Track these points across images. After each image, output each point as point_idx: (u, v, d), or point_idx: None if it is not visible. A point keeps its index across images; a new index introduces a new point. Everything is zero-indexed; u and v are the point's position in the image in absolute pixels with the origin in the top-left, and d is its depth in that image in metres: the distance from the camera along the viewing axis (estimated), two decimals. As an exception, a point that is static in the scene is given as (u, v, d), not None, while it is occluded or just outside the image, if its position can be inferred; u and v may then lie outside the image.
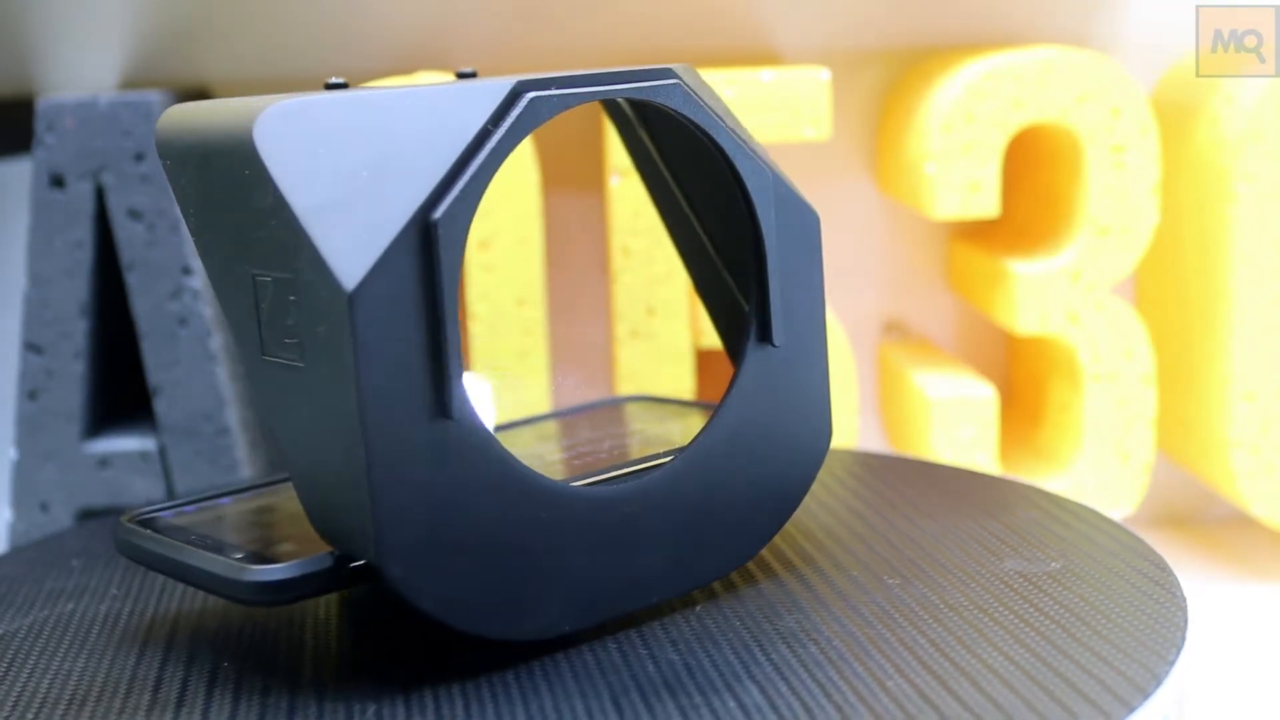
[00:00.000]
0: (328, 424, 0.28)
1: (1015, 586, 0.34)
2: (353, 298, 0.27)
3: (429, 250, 0.28)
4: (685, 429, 0.41)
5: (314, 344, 0.28)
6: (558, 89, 0.30)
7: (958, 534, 0.39)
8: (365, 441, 0.27)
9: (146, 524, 0.34)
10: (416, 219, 0.28)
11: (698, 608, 0.34)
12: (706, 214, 0.38)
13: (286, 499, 0.36)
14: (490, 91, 0.30)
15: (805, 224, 0.35)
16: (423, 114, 0.29)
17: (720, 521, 0.34)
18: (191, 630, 0.35)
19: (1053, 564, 0.36)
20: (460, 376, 0.29)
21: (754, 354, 0.34)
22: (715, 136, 0.33)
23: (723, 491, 0.34)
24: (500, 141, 0.29)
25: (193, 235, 0.31)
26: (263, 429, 0.55)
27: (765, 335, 0.34)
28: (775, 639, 0.32)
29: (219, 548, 0.32)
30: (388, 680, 0.31)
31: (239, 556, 0.31)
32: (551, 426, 0.43)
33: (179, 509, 0.35)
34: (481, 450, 0.29)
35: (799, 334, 0.35)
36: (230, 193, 0.29)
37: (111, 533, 0.35)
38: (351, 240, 0.27)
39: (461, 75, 0.33)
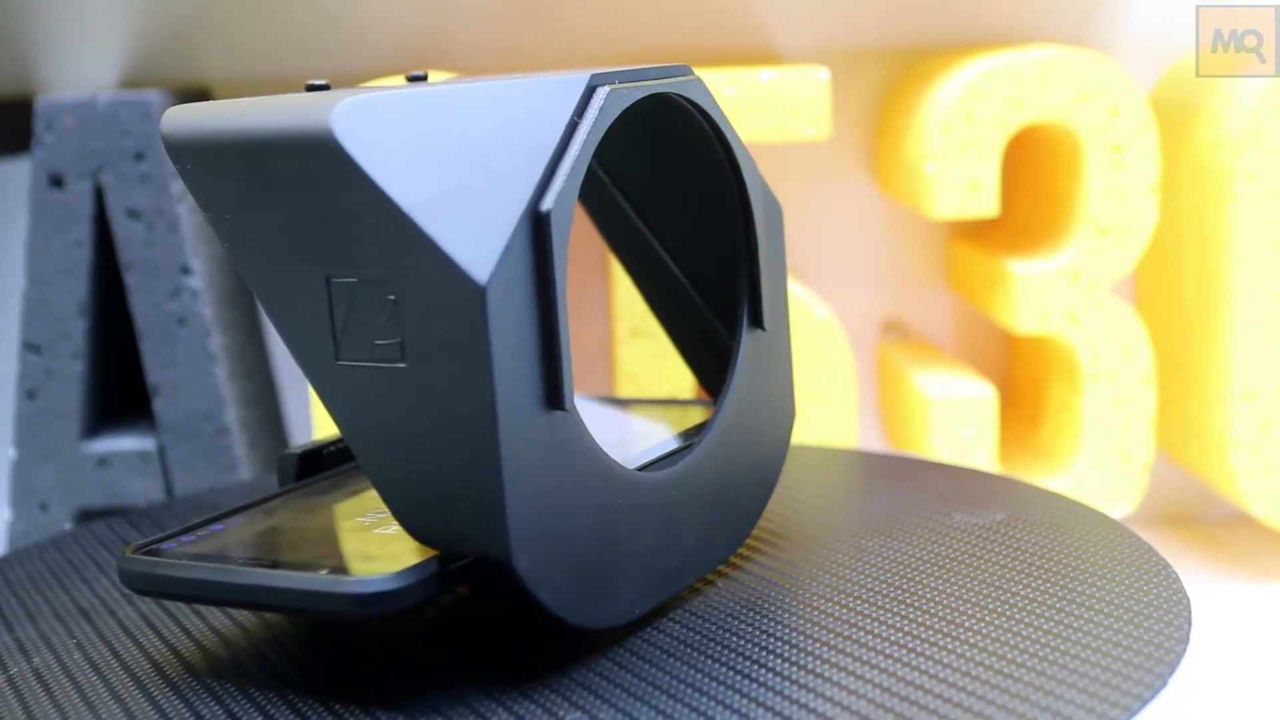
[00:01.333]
0: (442, 422, 0.28)
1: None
2: (485, 290, 0.27)
3: (541, 241, 0.28)
4: (655, 418, 0.41)
5: (425, 342, 0.27)
6: (622, 83, 0.31)
7: (904, 500, 0.40)
8: (498, 437, 0.27)
9: (153, 554, 0.31)
10: (529, 210, 0.28)
11: (718, 584, 0.34)
12: (654, 215, 0.38)
13: (287, 517, 0.34)
14: (566, 85, 0.30)
15: (775, 214, 0.36)
16: (502, 108, 0.29)
17: (731, 500, 0.35)
18: (210, 664, 0.32)
19: (996, 515, 0.38)
20: (570, 368, 0.29)
21: (746, 339, 0.35)
22: (725, 132, 0.34)
23: (732, 471, 0.34)
24: (590, 133, 0.29)
25: (226, 239, 0.29)
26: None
27: (757, 321, 0.35)
28: (819, 599, 0.33)
29: (293, 566, 0.30)
30: (493, 682, 0.29)
31: (325, 571, 0.29)
32: None
33: (176, 539, 0.33)
34: (580, 440, 0.29)
35: (775, 318, 0.36)
36: (294, 192, 0.28)
37: (119, 569, 0.32)
38: (470, 234, 0.27)
39: (413, 79, 0.33)
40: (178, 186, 0.52)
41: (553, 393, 0.28)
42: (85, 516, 0.54)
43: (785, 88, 0.53)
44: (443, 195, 0.27)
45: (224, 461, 0.53)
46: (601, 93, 0.30)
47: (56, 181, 0.52)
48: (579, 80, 0.30)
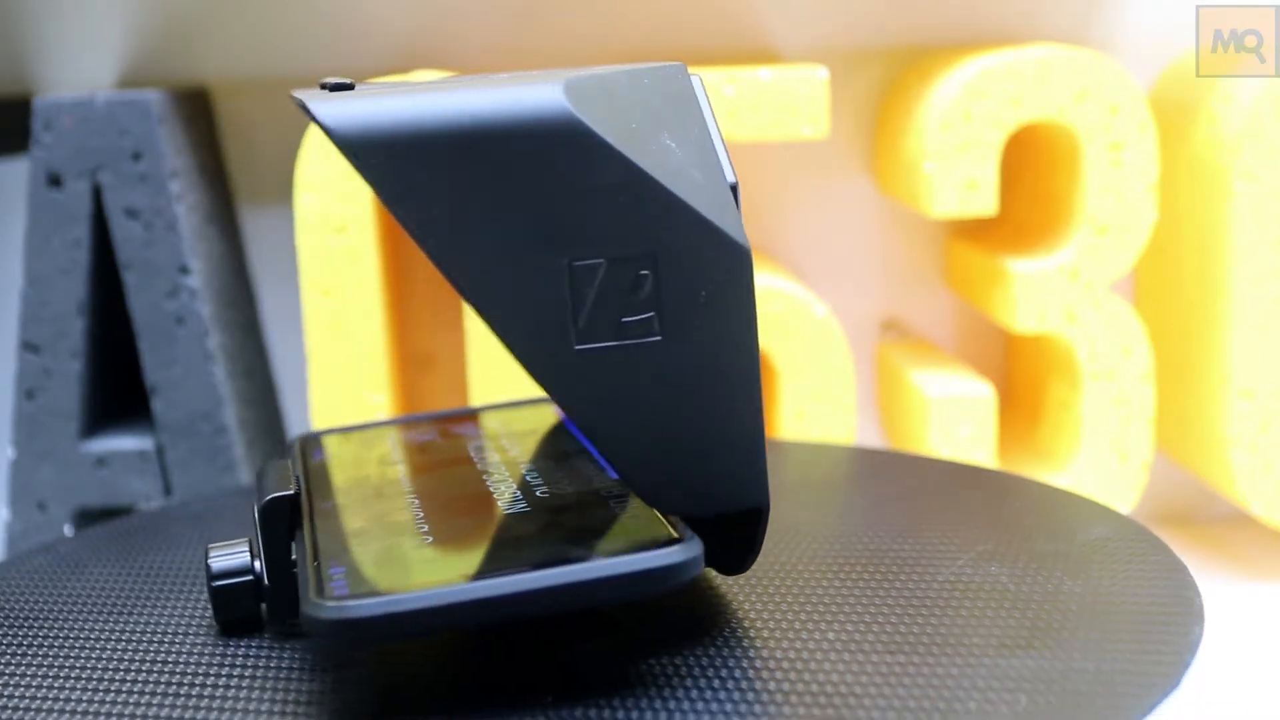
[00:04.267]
0: (701, 386, 0.29)
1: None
2: (750, 254, 0.28)
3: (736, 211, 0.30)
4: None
5: (686, 312, 0.28)
6: None
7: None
8: (760, 389, 0.29)
9: (357, 597, 0.27)
10: (726, 183, 0.30)
11: None
12: None
13: (410, 541, 0.31)
14: (676, 70, 0.31)
15: None
16: (649, 88, 0.30)
17: None
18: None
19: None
20: None
21: None
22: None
23: None
24: (714, 113, 0.31)
25: (429, 237, 0.27)
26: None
27: None
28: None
29: (554, 557, 0.28)
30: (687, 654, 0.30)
31: (615, 552, 0.28)
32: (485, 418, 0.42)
33: (327, 585, 0.28)
34: None
35: None
36: (531, 179, 0.27)
37: (328, 623, 0.26)
38: (709, 204, 0.28)
39: (337, 87, 0.31)
40: (176, 186, 0.52)
41: None
42: (84, 516, 0.53)
43: (784, 87, 0.53)
44: (677, 167, 0.28)
45: (222, 461, 0.53)
46: (697, 80, 0.31)
47: (55, 181, 0.52)
48: (680, 67, 0.31)
